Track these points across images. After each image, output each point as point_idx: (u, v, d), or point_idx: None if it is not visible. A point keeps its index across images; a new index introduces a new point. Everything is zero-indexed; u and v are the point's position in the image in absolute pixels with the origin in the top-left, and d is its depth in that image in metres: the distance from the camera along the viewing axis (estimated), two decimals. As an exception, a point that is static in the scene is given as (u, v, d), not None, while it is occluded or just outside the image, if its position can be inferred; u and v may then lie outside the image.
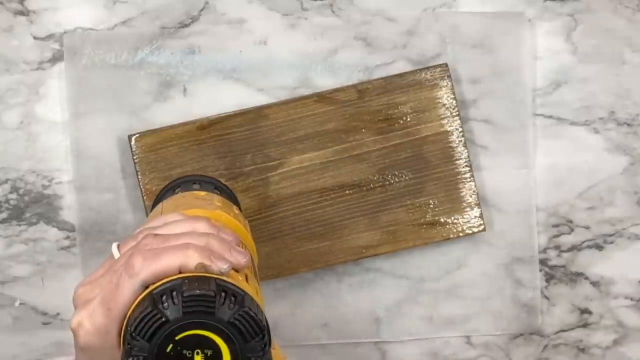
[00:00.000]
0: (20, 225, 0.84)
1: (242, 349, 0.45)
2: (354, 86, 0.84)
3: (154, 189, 0.82)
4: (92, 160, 0.84)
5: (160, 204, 0.67)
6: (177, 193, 0.71)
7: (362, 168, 0.84)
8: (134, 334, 0.44)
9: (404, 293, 0.87)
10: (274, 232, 0.83)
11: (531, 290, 0.87)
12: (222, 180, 0.82)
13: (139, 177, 0.82)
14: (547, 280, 0.88)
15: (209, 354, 0.45)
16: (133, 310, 0.46)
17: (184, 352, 0.44)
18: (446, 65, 0.84)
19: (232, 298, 0.45)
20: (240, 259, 0.49)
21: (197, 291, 0.44)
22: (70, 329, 0.49)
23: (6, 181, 0.84)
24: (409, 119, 0.84)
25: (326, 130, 0.84)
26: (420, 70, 0.84)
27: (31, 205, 0.84)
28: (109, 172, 0.84)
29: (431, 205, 0.84)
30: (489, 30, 0.85)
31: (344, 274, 0.87)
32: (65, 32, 0.83)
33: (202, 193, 0.67)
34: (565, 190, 0.87)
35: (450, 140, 0.84)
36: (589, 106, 0.87)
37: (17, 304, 0.85)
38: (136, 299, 0.47)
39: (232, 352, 0.45)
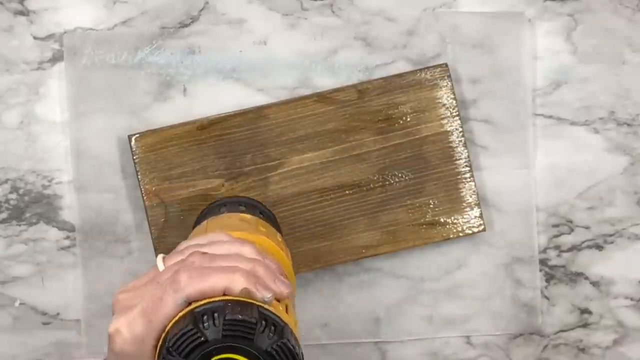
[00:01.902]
0: (20, 225, 0.84)
1: None
2: (354, 86, 0.84)
3: (154, 189, 0.82)
4: (92, 160, 0.84)
5: (205, 221, 0.67)
6: (222, 212, 0.70)
7: (362, 168, 0.84)
8: (171, 349, 0.44)
9: (404, 293, 0.87)
10: (274, 232, 0.83)
11: (531, 290, 0.87)
12: (223, 181, 0.82)
13: (139, 177, 0.82)
14: (547, 280, 0.88)
15: None
16: (173, 326, 0.46)
17: None
18: (446, 65, 0.84)
19: (272, 327, 0.45)
20: (284, 289, 0.50)
21: (239, 316, 0.45)
22: (107, 333, 0.50)
23: (6, 181, 0.84)
24: (409, 119, 0.84)
25: (326, 130, 0.84)
26: (420, 70, 0.84)
27: (31, 205, 0.84)
28: (109, 172, 0.84)
29: (431, 205, 0.84)
30: (489, 30, 0.85)
31: (344, 274, 0.87)
32: (65, 32, 0.83)
33: (248, 216, 0.66)
34: (565, 190, 0.87)
35: (450, 140, 0.84)
36: (589, 106, 0.87)
37: (17, 304, 0.85)
38: (177, 314, 0.47)
39: None
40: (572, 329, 0.89)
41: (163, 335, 0.47)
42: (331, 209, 0.84)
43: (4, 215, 0.84)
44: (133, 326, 0.48)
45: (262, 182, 0.83)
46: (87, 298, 0.84)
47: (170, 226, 0.83)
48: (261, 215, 0.71)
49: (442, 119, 0.84)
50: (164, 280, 0.49)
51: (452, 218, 0.85)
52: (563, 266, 0.88)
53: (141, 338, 0.48)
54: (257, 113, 0.83)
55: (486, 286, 0.87)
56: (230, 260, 0.49)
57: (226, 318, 0.44)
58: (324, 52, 0.85)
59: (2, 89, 0.83)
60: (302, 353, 0.47)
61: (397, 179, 0.84)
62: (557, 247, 0.88)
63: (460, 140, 0.84)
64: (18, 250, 0.85)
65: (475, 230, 0.85)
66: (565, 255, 0.88)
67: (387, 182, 0.84)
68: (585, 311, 0.89)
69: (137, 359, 0.48)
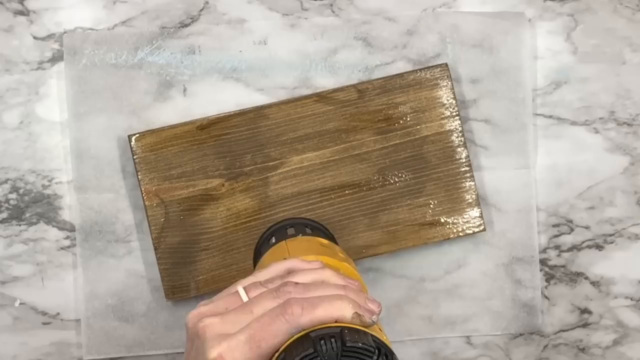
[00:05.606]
0: (20, 225, 0.84)
1: None
2: (354, 86, 0.84)
3: (154, 189, 0.82)
4: (92, 160, 0.84)
5: (285, 243, 0.69)
6: (291, 234, 0.71)
7: (362, 168, 0.84)
8: None
9: (404, 293, 0.87)
10: (274, 232, 0.83)
11: (531, 290, 0.87)
12: (223, 181, 0.82)
13: (139, 177, 0.82)
14: (547, 280, 0.88)
15: None
16: (289, 350, 0.49)
17: None
18: (446, 65, 0.84)
19: (385, 357, 0.48)
20: (375, 308, 0.52)
21: (360, 343, 0.48)
22: (208, 359, 0.52)
23: (6, 181, 0.84)
24: (409, 119, 0.84)
25: (326, 130, 0.84)
26: (420, 70, 0.84)
27: (31, 205, 0.84)
28: (109, 172, 0.84)
29: (431, 205, 0.84)
30: (489, 30, 0.85)
31: (344, 274, 0.87)
32: (65, 32, 0.83)
33: (326, 241, 0.69)
34: (565, 190, 0.87)
35: (450, 140, 0.84)
36: (589, 106, 0.87)
37: (17, 304, 0.85)
38: (287, 340, 0.50)
39: None
40: (572, 328, 0.89)
41: (275, 357, 0.50)
42: (331, 209, 0.84)
43: (4, 215, 0.84)
44: (237, 352, 0.51)
45: (262, 182, 0.83)
46: (87, 298, 0.84)
47: (170, 226, 0.83)
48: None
49: (442, 119, 0.84)
50: (269, 310, 0.52)
51: (452, 218, 0.85)
52: (563, 266, 0.88)
53: None
54: (257, 113, 0.83)
55: (486, 286, 0.87)
56: (330, 290, 0.52)
57: (346, 345, 0.48)
58: (324, 52, 0.85)
59: (2, 89, 0.83)
60: None
61: (397, 179, 0.84)
62: (557, 247, 0.88)
63: (460, 140, 0.84)
64: (18, 250, 0.85)
65: (475, 230, 0.85)
66: (565, 255, 0.88)
67: (387, 182, 0.84)
68: (585, 311, 0.89)
69: None
